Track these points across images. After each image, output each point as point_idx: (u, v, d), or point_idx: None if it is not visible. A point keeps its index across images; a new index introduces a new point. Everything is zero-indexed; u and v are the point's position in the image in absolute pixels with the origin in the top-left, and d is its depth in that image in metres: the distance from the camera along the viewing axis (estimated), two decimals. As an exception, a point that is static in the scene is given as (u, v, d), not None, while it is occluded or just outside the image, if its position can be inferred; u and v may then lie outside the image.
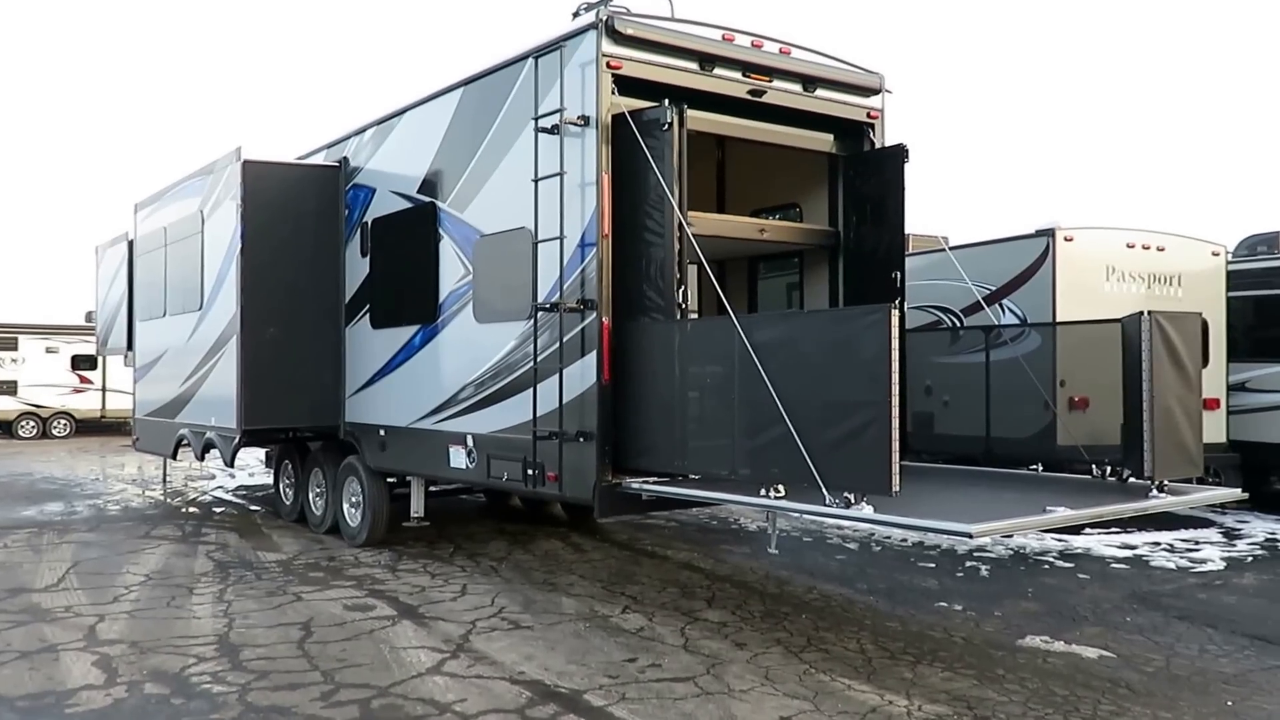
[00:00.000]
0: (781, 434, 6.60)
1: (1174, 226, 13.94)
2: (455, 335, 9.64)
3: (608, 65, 7.93)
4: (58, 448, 25.90)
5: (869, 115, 9.48)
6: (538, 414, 8.36)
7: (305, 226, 11.27)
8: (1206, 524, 13.30)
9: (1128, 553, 11.28)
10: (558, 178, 8.14)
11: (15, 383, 28.33)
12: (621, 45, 8.00)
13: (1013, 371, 9.46)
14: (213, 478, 18.30)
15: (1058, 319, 11.96)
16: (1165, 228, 13.61)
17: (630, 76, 8.05)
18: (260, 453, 15.66)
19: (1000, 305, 12.99)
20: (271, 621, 8.08)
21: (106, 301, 16.44)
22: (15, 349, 28.40)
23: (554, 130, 8.18)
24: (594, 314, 7.94)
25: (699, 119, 8.42)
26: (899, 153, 9.17)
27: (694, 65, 8.41)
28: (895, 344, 6.08)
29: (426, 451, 9.95)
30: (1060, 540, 11.76)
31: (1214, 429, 13.31)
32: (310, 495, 12.20)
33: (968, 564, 10.54)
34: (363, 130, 11.20)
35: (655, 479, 7.85)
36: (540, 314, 8.37)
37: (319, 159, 11.93)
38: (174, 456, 13.58)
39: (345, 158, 11.44)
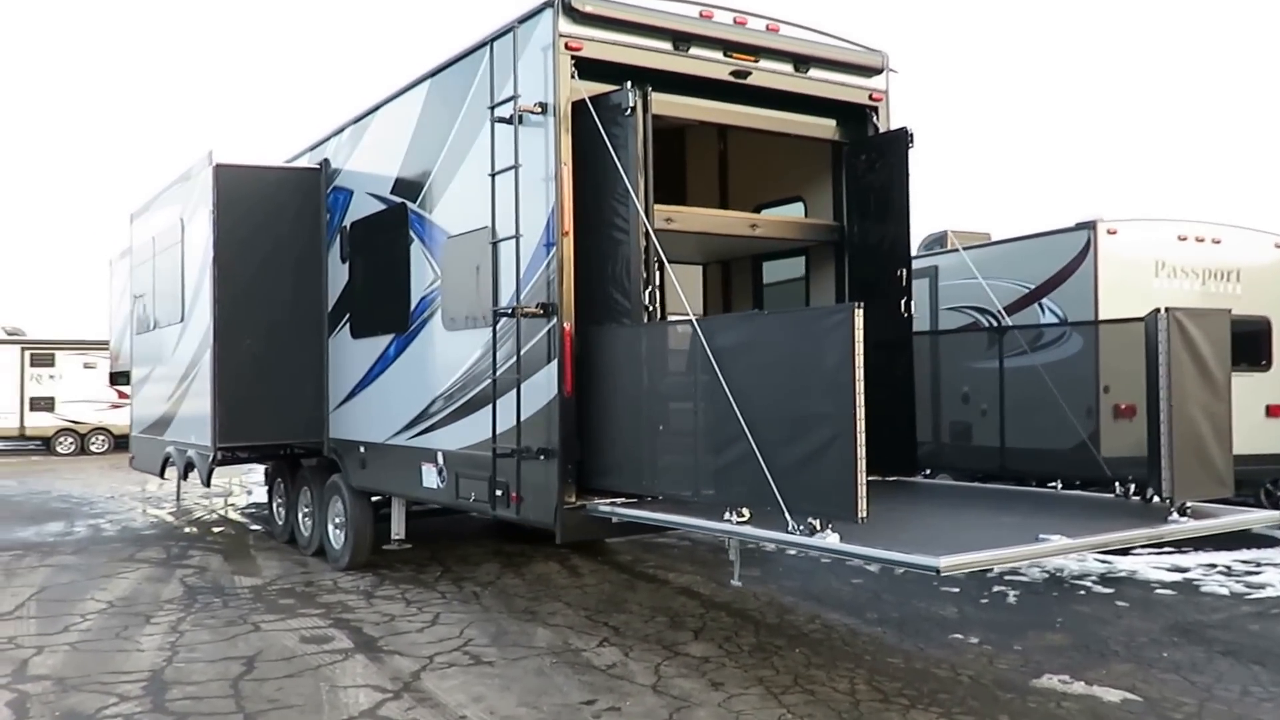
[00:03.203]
0: (744, 451, 5.84)
1: (1229, 217, 12.89)
2: (426, 345, 8.98)
3: (566, 46, 7.21)
4: (91, 464, 25.74)
5: (871, 98, 8.63)
6: (498, 430, 7.66)
7: (284, 232, 10.68)
8: (1272, 543, 12.14)
9: (1177, 576, 10.25)
10: (513, 171, 7.43)
11: (53, 399, 28.37)
12: (581, 24, 7.27)
13: (1052, 377, 8.63)
14: (229, 494, 17.86)
15: (1101, 320, 11.01)
16: (1220, 218, 12.56)
17: (593, 59, 7.32)
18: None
19: (1040, 305, 12.04)
20: (217, 655, 7.47)
21: (117, 315, 16.08)
22: (53, 365, 28.45)
23: (511, 120, 7.47)
24: (555, 320, 7.21)
25: (673, 104, 7.70)
26: (902, 137, 8.32)
27: (667, 45, 7.65)
28: (860, 349, 5.28)
29: (402, 469, 9.28)
30: (1103, 562, 10.77)
31: (1276, 438, 12.27)
32: (299, 515, 11.61)
33: (995, 589, 9.62)
34: (341, 130, 10.59)
35: (623, 500, 7.11)
36: (500, 320, 7.66)
37: (304, 161, 11.36)
38: (162, 475, 13.08)
39: (326, 159, 10.85)
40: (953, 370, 10.63)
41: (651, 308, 7.08)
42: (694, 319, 6.38)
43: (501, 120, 7.56)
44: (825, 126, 8.69)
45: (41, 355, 28.43)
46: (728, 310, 10.26)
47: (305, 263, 10.73)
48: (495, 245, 7.67)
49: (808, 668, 7.12)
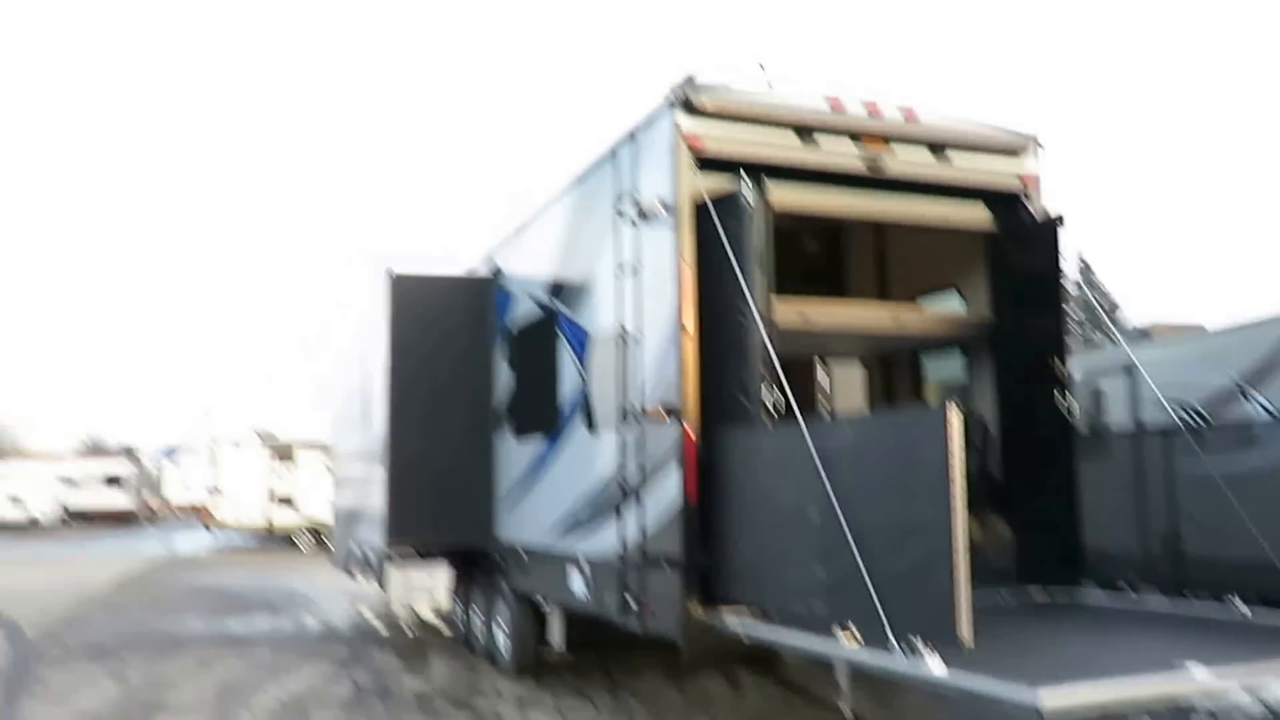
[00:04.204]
0: (849, 564, 5.43)
1: None
2: (573, 446, 8.92)
3: (686, 143, 7.11)
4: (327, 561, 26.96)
5: (1021, 181, 8.11)
6: (626, 536, 7.47)
7: (456, 336, 10.98)
8: None
9: None
10: (636, 270, 7.36)
11: (293, 496, 30.09)
12: (702, 120, 7.16)
13: (1265, 482, 7.78)
14: (434, 593, 18.17)
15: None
16: None
17: (715, 154, 7.18)
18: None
19: (1251, 400, 10.88)
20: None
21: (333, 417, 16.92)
22: (295, 463, 30.24)
23: (633, 217, 7.43)
24: (676, 421, 7.01)
25: (801, 196, 7.45)
26: (1052, 223, 7.77)
27: (792, 137, 7.44)
28: (958, 453, 4.84)
29: (553, 573, 9.18)
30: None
31: None
32: (473, 618, 11.69)
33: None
34: (508, 236, 10.87)
35: (749, 615, 6.74)
36: (627, 422, 7.53)
37: (481, 267, 11.69)
38: (350, 574, 13.49)
39: (497, 265, 11.13)
40: (1155, 473, 9.76)
41: (774, 409, 6.77)
42: (802, 421, 6.05)
43: (626, 219, 7.53)
44: (972, 213, 8.19)
45: (285, 454, 30.32)
46: (890, 406, 9.77)
47: (476, 365, 10.97)
48: (623, 345, 7.59)
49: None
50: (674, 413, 7.02)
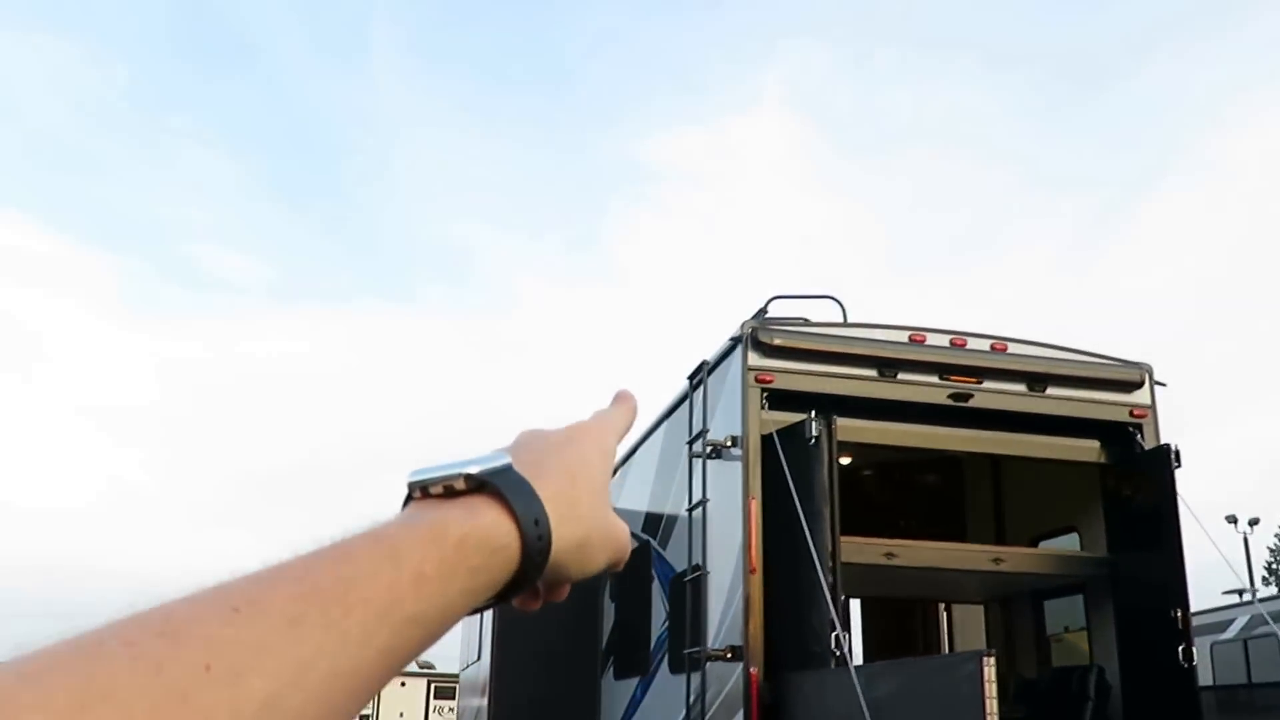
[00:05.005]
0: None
1: None
2: (660, 687, 8.59)
3: (756, 380, 7.06)
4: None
5: (1132, 414, 7.65)
6: (693, 787, 7.06)
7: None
8: None
9: None
10: (708, 505, 7.24)
11: None
12: (771, 357, 7.11)
13: None
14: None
15: None
16: None
17: (786, 390, 7.10)
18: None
19: None
20: None
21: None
22: (454, 698, 30.03)
23: (702, 454, 7.35)
24: (740, 664, 6.69)
25: (880, 431, 7.24)
26: (1164, 456, 7.24)
27: (870, 371, 7.28)
28: (992, 705, 4.44)
29: (648, 822, 8.73)
30: None
31: None
32: None
33: None
34: (615, 470, 10.88)
35: None
36: (691, 663, 7.24)
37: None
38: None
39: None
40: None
41: (840, 652, 6.39)
42: (852, 667, 5.68)
43: (696, 455, 7.45)
44: (1075, 448, 7.72)
45: (445, 688, 30.25)
46: (1010, 652, 9.10)
47: (583, 604, 10.80)
48: (692, 583, 7.38)
49: None
50: (738, 654, 6.72)
